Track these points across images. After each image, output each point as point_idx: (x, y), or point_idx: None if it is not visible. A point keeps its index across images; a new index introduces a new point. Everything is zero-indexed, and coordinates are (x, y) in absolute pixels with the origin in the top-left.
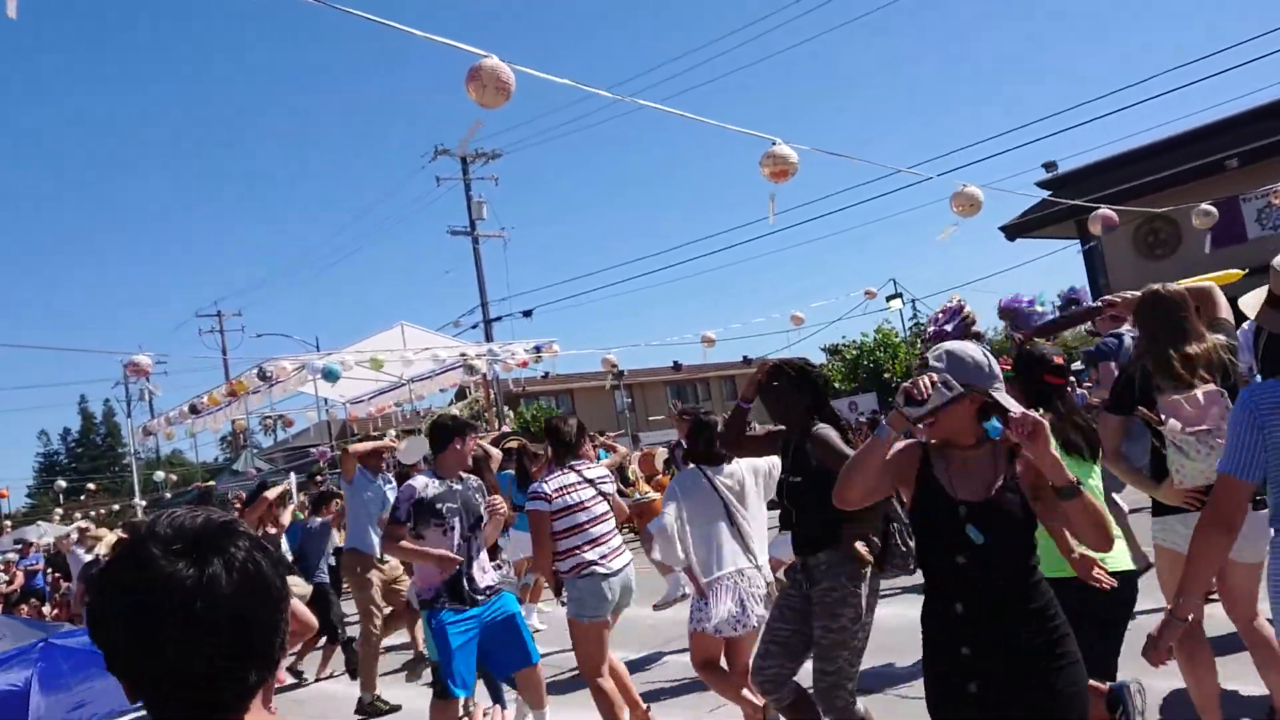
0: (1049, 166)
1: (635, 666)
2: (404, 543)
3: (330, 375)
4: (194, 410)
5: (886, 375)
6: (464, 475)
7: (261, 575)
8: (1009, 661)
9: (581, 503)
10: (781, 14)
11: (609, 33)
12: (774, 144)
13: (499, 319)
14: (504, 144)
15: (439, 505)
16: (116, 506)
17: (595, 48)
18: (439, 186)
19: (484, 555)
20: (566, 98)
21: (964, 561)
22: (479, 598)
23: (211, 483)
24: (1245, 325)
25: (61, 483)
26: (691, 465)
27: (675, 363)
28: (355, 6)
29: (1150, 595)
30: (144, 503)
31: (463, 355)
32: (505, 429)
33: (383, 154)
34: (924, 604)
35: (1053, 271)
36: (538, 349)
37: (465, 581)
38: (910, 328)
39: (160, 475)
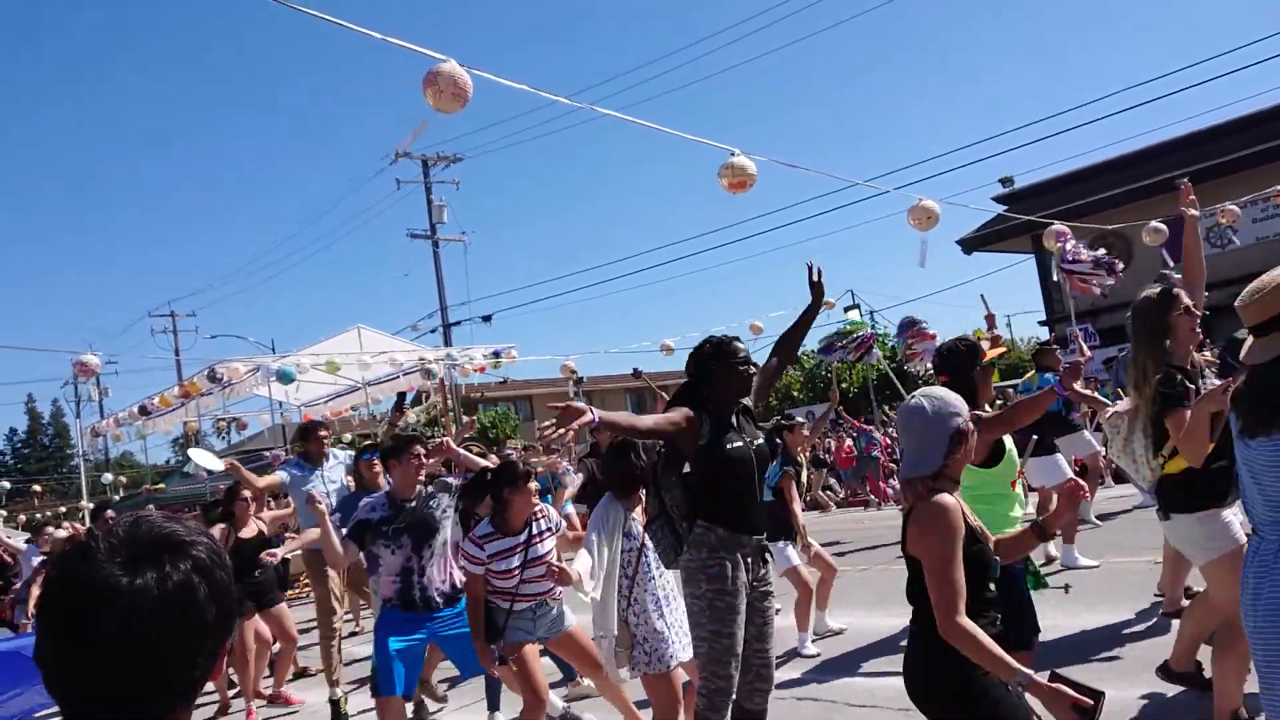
0: (1005, 182)
1: None
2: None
3: (285, 378)
4: (144, 412)
5: (844, 385)
6: (422, 488)
7: (193, 601)
8: None
9: None
10: (744, 25)
11: (572, 40)
12: (733, 155)
13: (458, 323)
14: (466, 148)
15: (384, 528)
16: (63, 508)
17: (559, 54)
18: (399, 189)
19: (441, 566)
20: (529, 103)
21: None
22: (434, 603)
23: (161, 485)
24: None
25: (5, 484)
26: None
27: (635, 370)
28: (316, 7)
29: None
30: (91, 505)
31: (420, 359)
32: (464, 434)
33: (343, 155)
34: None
35: (1008, 285)
36: (496, 354)
37: (417, 592)
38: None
39: (109, 477)
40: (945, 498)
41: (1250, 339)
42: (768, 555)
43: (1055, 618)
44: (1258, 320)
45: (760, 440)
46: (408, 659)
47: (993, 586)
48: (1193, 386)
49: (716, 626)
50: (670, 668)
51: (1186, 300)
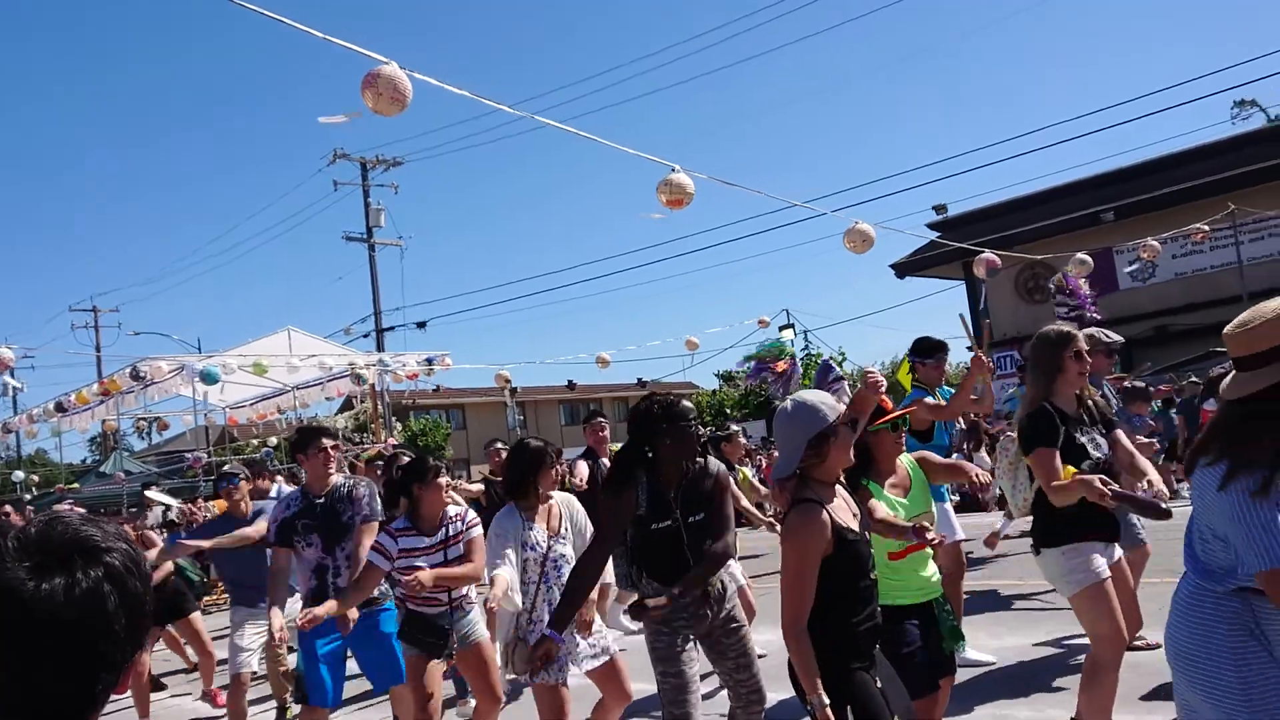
0: (939, 209)
1: None
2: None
3: (208, 378)
4: (60, 408)
5: (778, 403)
6: (336, 484)
7: (100, 610)
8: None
9: None
10: (688, 44)
11: (517, 50)
12: (673, 170)
13: (392, 329)
14: (406, 152)
15: (296, 523)
16: None
17: (505, 62)
18: (336, 191)
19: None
20: (471, 111)
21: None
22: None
23: (76, 485)
24: None
25: None
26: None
27: (570, 381)
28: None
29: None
30: None
31: (351, 364)
32: (392, 442)
33: (279, 154)
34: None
35: (939, 310)
36: (429, 361)
37: (331, 591)
38: (802, 358)
39: (20, 475)
40: (807, 509)
41: (1233, 372)
42: (722, 588)
43: (1007, 640)
44: (1243, 354)
45: (700, 516)
46: (331, 664)
47: (872, 576)
48: (1063, 428)
49: (662, 667)
50: (560, 681)
51: (1081, 344)
